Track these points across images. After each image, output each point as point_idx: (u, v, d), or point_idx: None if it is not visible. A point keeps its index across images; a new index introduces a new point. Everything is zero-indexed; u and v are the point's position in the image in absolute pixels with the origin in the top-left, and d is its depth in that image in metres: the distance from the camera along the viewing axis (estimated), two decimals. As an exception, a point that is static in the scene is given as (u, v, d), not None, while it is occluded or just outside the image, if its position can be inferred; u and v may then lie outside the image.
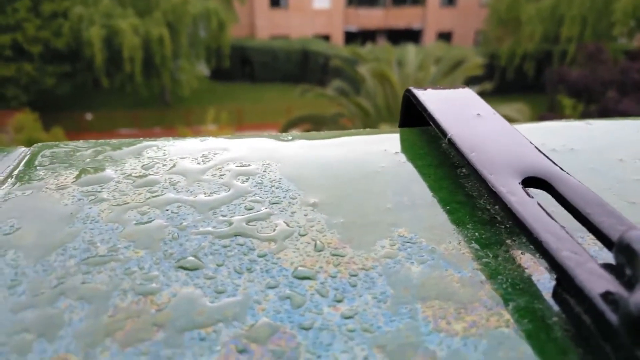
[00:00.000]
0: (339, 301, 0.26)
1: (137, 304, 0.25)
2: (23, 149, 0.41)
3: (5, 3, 14.66)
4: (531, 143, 0.35)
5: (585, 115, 10.62)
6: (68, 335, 0.24)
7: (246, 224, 0.31)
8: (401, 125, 0.45)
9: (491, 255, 0.29)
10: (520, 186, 0.30)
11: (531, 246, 0.28)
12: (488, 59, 13.13)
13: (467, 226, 0.31)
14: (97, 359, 0.23)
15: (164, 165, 0.38)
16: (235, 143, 0.42)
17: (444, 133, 0.37)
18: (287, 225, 0.31)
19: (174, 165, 0.38)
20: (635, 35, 15.39)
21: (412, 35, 22.03)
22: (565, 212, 0.29)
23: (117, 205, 0.33)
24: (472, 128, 0.37)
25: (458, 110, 0.39)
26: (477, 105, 0.40)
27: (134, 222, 0.32)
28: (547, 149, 0.39)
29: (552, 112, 11.40)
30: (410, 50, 9.39)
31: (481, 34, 20.80)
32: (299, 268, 0.28)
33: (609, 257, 0.26)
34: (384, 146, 0.41)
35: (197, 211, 0.33)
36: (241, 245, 0.30)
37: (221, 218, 0.32)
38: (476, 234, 0.31)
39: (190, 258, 0.28)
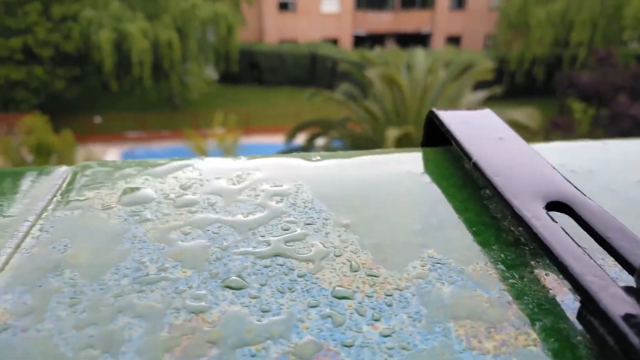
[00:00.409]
0: (377, 320, 0.27)
1: (190, 322, 0.27)
2: (65, 168, 0.42)
3: (16, 6, 14.79)
4: (553, 168, 0.36)
5: (596, 119, 10.53)
6: (130, 351, 0.25)
7: (284, 244, 0.33)
8: (423, 145, 0.46)
9: (517, 277, 0.30)
10: (544, 211, 0.31)
11: (555, 268, 0.29)
12: (497, 63, 13.05)
13: (493, 247, 0.33)
14: None
15: (201, 185, 0.39)
16: (266, 163, 0.43)
17: (468, 156, 0.38)
18: (323, 246, 0.33)
19: (210, 186, 0.39)
20: (647, 39, 15.27)
21: (421, 39, 22.00)
22: (586, 233, 0.31)
23: (161, 225, 0.35)
24: (495, 151, 0.38)
25: (480, 132, 0.41)
26: (498, 127, 0.42)
27: (179, 242, 0.33)
28: (566, 170, 0.40)
29: (562, 116, 11.31)
30: (419, 54, 9.34)
31: (491, 38, 20.72)
32: (337, 288, 0.29)
33: (629, 279, 0.28)
34: (409, 166, 0.43)
35: (236, 231, 0.34)
36: (281, 265, 0.31)
37: (260, 238, 0.33)
38: (502, 255, 0.32)
39: (235, 278, 0.30)
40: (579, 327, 0.26)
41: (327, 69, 18.76)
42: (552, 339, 0.26)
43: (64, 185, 0.40)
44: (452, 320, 0.27)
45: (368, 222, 0.35)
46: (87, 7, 15.11)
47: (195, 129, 10.47)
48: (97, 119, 15.81)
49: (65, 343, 0.25)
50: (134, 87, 15.93)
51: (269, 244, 0.33)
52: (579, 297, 0.27)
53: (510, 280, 0.30)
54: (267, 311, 0.27)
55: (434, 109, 0.44)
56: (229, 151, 8.98)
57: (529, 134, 8.79)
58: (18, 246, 0.32)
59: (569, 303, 0.28)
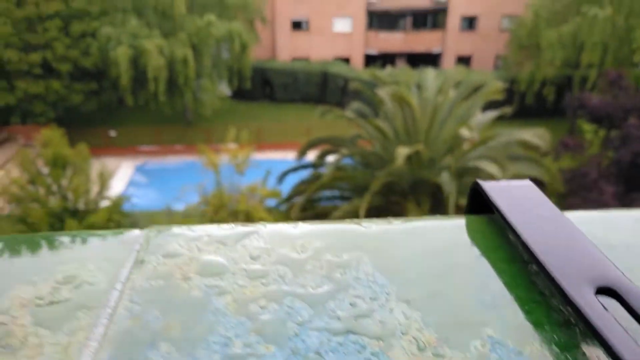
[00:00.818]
0: None
1: None
2: (136, 232, 0.43)
3: (36, 23, 15.20)
4: (595, 246, 0.38)
5: (607, 140, 10.54)
6: None
7: (354, 320, 0.33)
8: (467, 212, 0.48)
9: (570, 359, 0.31)
10: (595, 297, 0.32)
11: (604, 350, 0.30)
12: (508, 84, 13.13)
13: (545, 327, 0.33)
14: None
15: (268, 255, 0.40)
16: (323, 230, 0.44)
17: (512, 228, 0.40)
18: (390, 323, 0.33)
19: (276, 255, 0.40)
20: (658, 62, 15.28)
21: (431, 59, 22.18)
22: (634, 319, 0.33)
23: (239, 297, 0.36)
24: (536, 223, 0.40)
25: (523, 205, 0.42)
26: (540, 201, 0.43)
27: (258, 315, 0.34)
28: (605, 245, 0.41)
29: (572, 137, 11.33)
30: (429, 74, 9.46)
31: (501, 59, 20.83)
32: None
33: None
34: (457, 235, 0.44)
35: (309, 306, 0.35)
36: (354, 342, 0.32)
37: (331, 313, 0.34)
38: (554, 336, 0.33)
39: (314, 355, 0.31)
40: None
41: (338, 87, 18.94)
42: None
43: (142, 251, 0.41)
44: None
45: (427, 298, 0.36)
46: (106, 24, 15.48)
47: (208, 144, 10.63)
48: (113, 133, 16.09)
49: None
50: (149, 102, 16.21)
51: (339, 319, 0.33)
52: None
53: None
54: None
55: (478, 180, 0.46)
56: (241, 167, 9.10)
57: (539, 154, 8.84)
58: (111, 319, 0.33)
59: None
